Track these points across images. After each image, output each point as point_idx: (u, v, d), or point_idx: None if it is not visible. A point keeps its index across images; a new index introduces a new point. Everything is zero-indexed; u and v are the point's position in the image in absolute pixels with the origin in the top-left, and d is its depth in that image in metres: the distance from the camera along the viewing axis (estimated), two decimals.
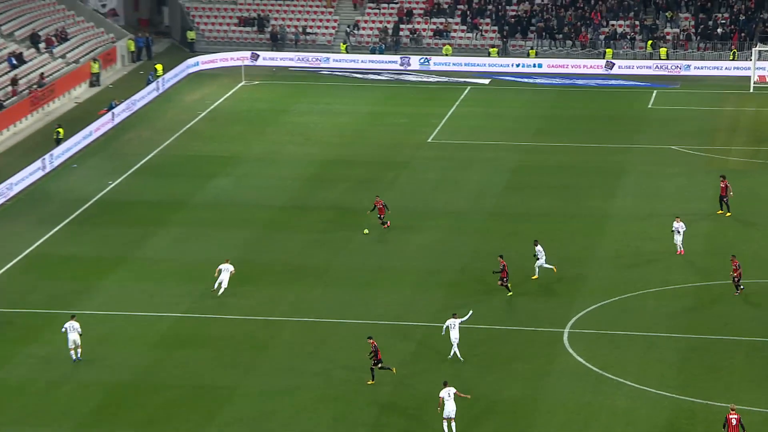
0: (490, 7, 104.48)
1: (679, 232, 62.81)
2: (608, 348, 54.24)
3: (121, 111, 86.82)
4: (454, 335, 52.34)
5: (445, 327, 52.42)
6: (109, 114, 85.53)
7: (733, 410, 45.37)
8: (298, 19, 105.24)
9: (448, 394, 47.40)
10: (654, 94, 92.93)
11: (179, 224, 68.70)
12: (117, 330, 56.76)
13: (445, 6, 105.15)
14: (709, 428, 46.84)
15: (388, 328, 55.83)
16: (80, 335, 52.54)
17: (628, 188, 74.20)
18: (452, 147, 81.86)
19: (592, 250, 65.00)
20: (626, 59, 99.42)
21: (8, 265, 63.51)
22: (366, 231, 65.64)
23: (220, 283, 59.04)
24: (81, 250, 65.68)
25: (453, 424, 46.86)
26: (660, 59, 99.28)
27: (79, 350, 52.57)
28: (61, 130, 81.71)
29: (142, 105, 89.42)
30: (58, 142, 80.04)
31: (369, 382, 50.70)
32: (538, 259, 60.48)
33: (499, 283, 58.83)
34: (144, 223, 68.46)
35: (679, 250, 62.55)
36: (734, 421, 45.22)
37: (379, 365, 50.79)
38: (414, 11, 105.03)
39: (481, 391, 51.01)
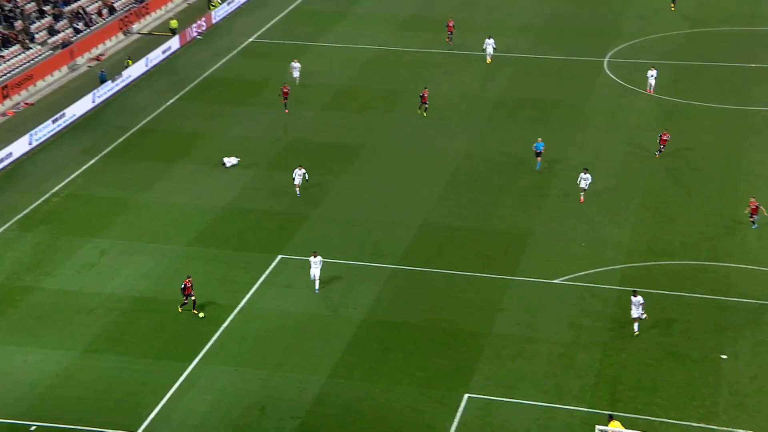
0: None
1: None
2: (632, 69, 50.06)
3: None
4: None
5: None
6: None
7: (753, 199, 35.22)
8: None
9: None
10: None
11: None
12: (335, 57, 53.33)
13: None
14: None
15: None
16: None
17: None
18: None
19: None
20: None
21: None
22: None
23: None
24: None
25: None
26: None
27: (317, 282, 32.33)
28: None
29: None
30: None
31: (201, 315, 31.05)
32: None
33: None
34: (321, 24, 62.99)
35: None
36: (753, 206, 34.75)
37: (185, 302, 31.22)
38: None
39: (548, 94, 47.60)
